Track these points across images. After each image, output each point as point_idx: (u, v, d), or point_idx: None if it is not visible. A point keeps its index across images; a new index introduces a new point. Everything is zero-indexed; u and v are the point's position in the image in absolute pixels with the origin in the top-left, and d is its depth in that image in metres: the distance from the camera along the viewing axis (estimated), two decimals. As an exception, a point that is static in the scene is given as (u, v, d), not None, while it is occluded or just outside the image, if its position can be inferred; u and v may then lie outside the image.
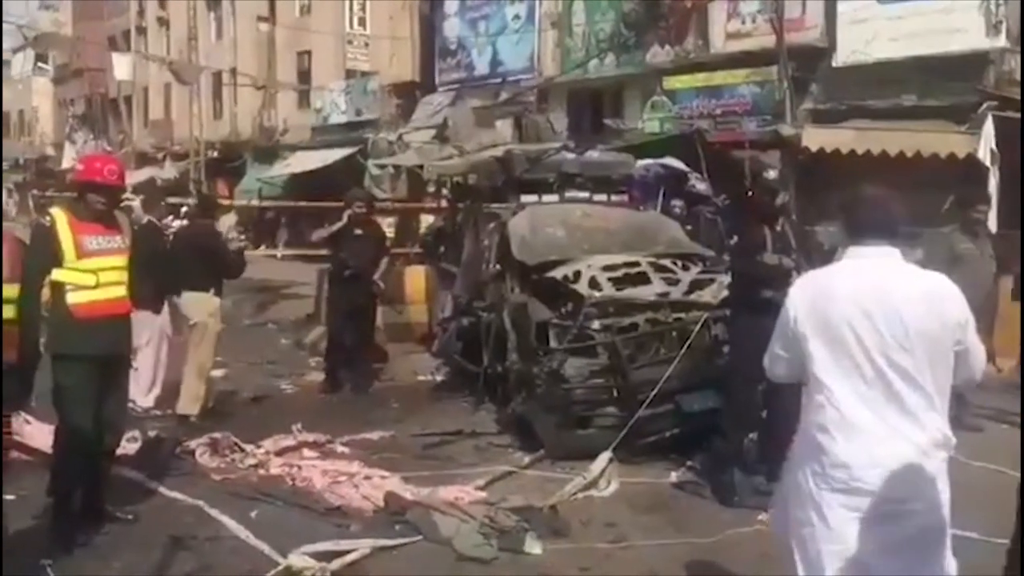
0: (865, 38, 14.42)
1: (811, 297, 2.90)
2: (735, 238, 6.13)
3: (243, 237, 11.29)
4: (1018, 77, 13.13)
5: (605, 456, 5.72)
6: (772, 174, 6.27)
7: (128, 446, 5.81)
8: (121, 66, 32.87)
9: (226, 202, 21.52)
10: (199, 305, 7.42)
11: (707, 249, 8.29)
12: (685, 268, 7.32)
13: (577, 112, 19.39)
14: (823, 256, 5.12)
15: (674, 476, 5.83)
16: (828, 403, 2.78)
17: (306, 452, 6.27)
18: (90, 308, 4.67)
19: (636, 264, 7.14)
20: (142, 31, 38.49)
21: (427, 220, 17.22)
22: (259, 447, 6.23)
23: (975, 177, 11.67)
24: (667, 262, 7.33)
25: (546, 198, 8.34)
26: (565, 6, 20.44)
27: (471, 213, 9.37)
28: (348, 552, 4.50)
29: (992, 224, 8.65)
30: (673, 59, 17.85)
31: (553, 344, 6.32)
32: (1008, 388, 7.36)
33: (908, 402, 2.72)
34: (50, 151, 45.59)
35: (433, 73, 24.28)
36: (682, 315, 6.43)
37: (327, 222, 9.19)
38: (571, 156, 8.88)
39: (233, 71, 29.95)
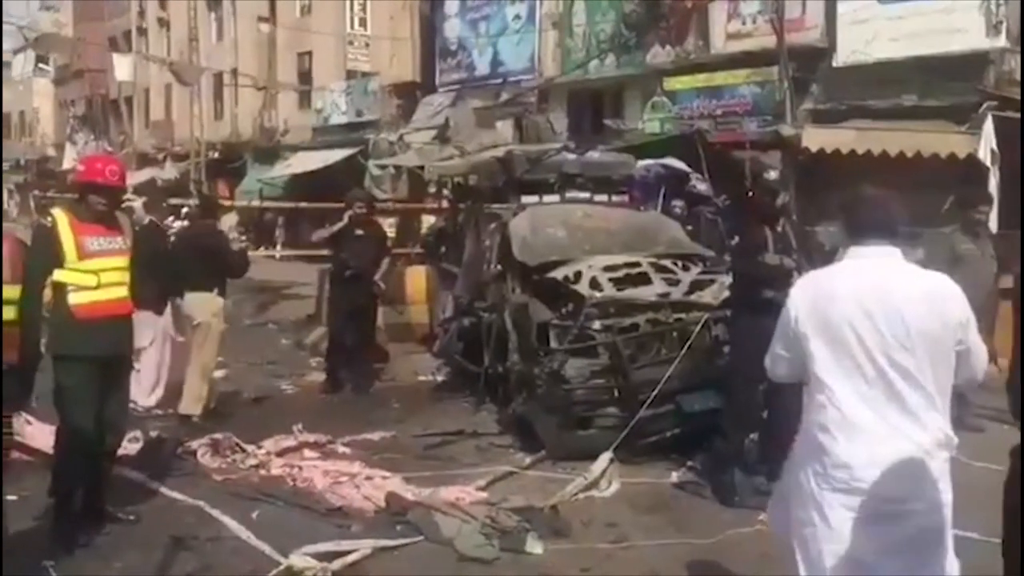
0: (865, 38, 14.42)
1: (812, 297, 2.90)
2: (736, 238, 6.12)
3: (244, 238, 11.28)
4: (1018, 77, 13.12)
5: (606, 456, 5.72)
6: (773, 174, 6.29)
7: (129, 446, 5.82)
8: (122, 67, 32.81)
9: (227, 203, 21.47)
10: (203, 305, 7.42)
11: (708, 249, 8.28)
12: (686, 268, 7.32)
13: (578, 113, 19.40)
14: (824, 256, 5.10)
15: (675, 476, 5.83)
16: (829, 403, 2.78)
17: (307, 452, 6.27)
18: (91, 309, 4.68)
19: (637, 264, 7.14)
20: (143, 32, 38.48)
21: (428, 220, 17.25)
22: (260, 447, 6.24)
23: (975, 177, 11.67)
24: (668, 262, 7.33)
25: (547, 199, 8.34)
26: (566, 7, 20.43)
27: (472, 213, 9.38)
28: (349, 552, 4.50)
29: (993, 224, 8.64)
30: (673, 60, 17.85)
31: (554, 344, 6.32)
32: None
33: (909, 402, 2.72)
34: (51, 152, 45.61)
35: (434, 74, 24.29)
36: (683, 315, 6.43)
37: (328, 222, 9.19)
38: (572, 157, 8.87)
39: (234, 72, 29.93)
